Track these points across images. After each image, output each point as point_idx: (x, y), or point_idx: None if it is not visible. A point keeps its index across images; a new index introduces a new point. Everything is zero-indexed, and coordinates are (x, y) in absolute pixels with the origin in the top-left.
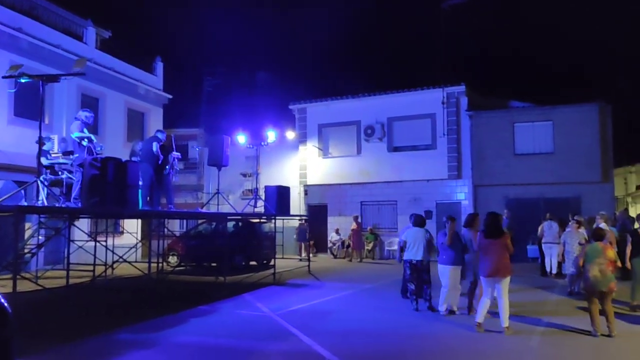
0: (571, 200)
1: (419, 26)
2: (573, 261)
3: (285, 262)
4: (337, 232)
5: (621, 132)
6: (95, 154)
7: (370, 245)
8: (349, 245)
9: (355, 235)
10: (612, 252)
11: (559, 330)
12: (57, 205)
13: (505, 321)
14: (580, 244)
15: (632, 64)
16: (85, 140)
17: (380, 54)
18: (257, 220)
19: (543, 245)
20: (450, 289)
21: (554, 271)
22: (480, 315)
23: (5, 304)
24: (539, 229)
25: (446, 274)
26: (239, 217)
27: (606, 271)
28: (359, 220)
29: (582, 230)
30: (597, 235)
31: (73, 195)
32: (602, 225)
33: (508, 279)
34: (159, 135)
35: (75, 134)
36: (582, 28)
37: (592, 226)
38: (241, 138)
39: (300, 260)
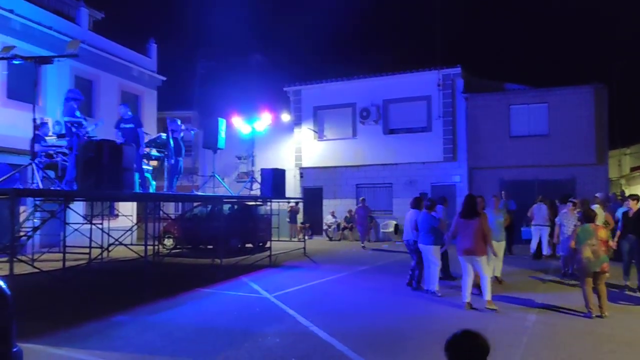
0: (566, 182)
1: (415, 7)
2: (564, 242)
3: (281, 244)
4: (332, 214)
5: (616, 114)
6: (81, 138)
7: None
8: (344, 228)
9: (361, 218)
10: (604, 233)
11: (553, 310)
12: (52, 188)
13: (487, 295)
14: (576, 225)
15: (629, 45)
16: (75, 125)
17: (376, 35)
18: (253, 203)
19: (532, 227)
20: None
21: (544, 252)
22: (466, 294)
23: (5, 287)
24: (529, 211)
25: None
26: (235, 200)
27: (599, 252)
28: (366, 203)
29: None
30: (587, 216)
31: (67, 178)
32: (594, 207)
33: (484, 257)
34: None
35: (66, 118)
36: (578, 9)
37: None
38: (236, 120)
39: (298, 241)
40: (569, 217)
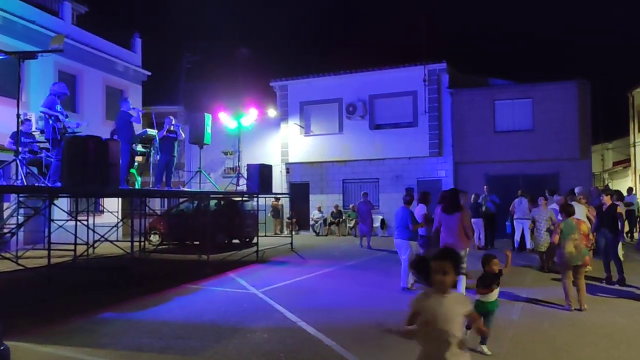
0: (550, 177)
1: (401, 2)
2: (541, 237)
3: (268, 239)
4: (319, 209)
5: (599, 109)
6: (57, 133)
7: (353, 222)
8: (331, 223)
9: (364, 214)
10: (585, 227)
11: (537, 304)
12: (36, 184)
13: (461, 290)
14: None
15: (611, 41)
16: (52, 118)
17: (362, 31)
18: (240, 199)
19: (515, 221)
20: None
21: (528, 246)
22: (461, 288)
23: None
24: (511, 205)
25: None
26: (221, 196)
27: (580, 246)
28: (368, 198)
29: (554, 206)
30: (568, 211)
31: (51, 174)
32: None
33: (464, 252)
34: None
35: (42, 108)
36: (564, 6)
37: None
38: (222, 116)
39: (285, 237)
40: (541, 212)
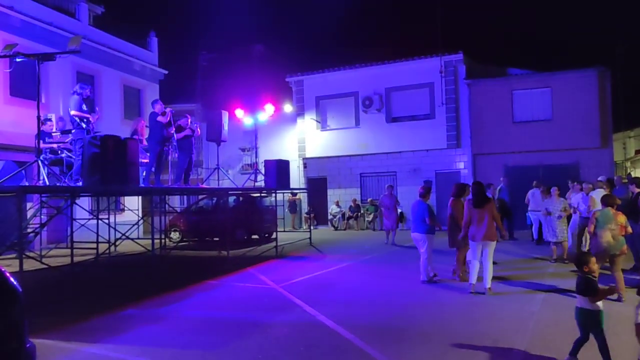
0: (570, 167)
1: None
2: (554, 228)
3: (287, 235)
4: (337, 204)
5: (620, 97)
6: (92, 133)
7: (371, 216)
8: (349, 217)
9: (387, 209)
10: (622, 218)
11: (559, 294)
12: (58, 184)
13: (488, 283)
14: (591, 211)
15: (631, 27)
16: (84, 121)
17: (377, 23)
18: (258, 195)
19: (530, 212)
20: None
21: (545, 238)
22: (473, 278)
23: (16, 284)
24: (526, 197)
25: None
26: (240, 192)
27: (618, 236)
28: (393, 191)
29: (573, 196)
30: (607, 202)
31: (73, 173)
32: (597, 192)
33: (494, 243)
34: (156, 107)
35: (72, 112)
36: None
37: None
38: (239, 113)
39: (303, 231)
40: (554, 203)
